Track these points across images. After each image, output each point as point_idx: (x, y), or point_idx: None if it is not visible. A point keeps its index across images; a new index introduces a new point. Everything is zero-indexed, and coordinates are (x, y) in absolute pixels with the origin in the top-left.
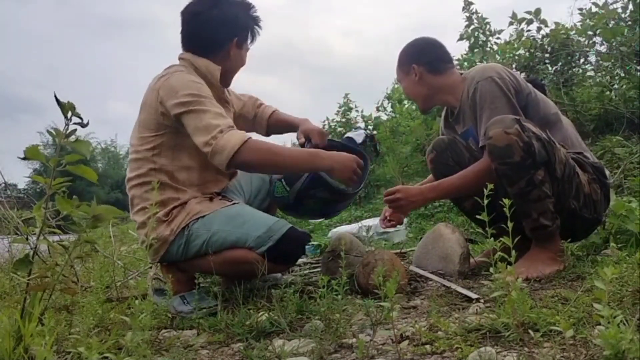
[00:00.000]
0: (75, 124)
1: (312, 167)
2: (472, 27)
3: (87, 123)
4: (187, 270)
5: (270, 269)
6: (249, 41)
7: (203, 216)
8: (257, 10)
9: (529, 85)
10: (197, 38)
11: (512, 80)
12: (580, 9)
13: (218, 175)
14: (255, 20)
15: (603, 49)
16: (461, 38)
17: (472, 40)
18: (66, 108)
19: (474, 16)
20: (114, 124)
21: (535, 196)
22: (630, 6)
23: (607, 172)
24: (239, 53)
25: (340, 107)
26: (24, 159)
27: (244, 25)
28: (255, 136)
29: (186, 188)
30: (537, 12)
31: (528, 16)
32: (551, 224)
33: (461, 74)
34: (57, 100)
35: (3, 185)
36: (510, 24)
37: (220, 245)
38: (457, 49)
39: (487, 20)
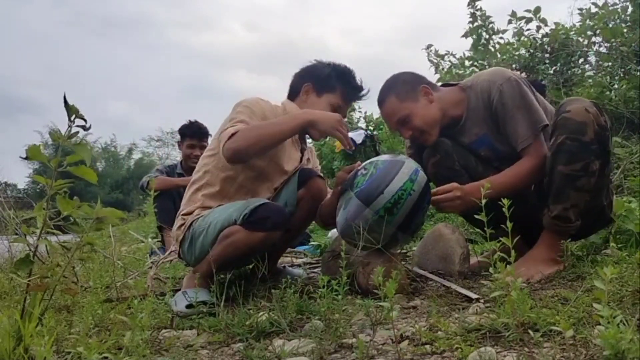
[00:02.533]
0: (77, 126)
1: (296, 126)
2: (476, 24)
3: (90, 126)
4: (205, 268)
5: (255, 242)
6: (333, 95)
7: (204, 215)
8: (354, 76)
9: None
10: (289, 86)
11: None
12: (580, 9)
13: (267, 194)
14: (344, 79)
15: (603, 49)
16: (465, 35)
17: (475, 37)
18: (72, 110)
19: (478, 12)
20: (113, 123)
21: (581, 184)
22: (630, 7)
23: (611, 175)
24: (316, 100)
25: None
26: (25, 158)
27: (321, 75)
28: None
29: (225, 197)
30: (537, 10)
31: (528, 14)
32: (574, 220)
33: (456, 84)
34: (65, 102)
35: (3, 185)
36: (510, 22)
37: (214, 232)
38: (457, 49)
39: (490, 19)
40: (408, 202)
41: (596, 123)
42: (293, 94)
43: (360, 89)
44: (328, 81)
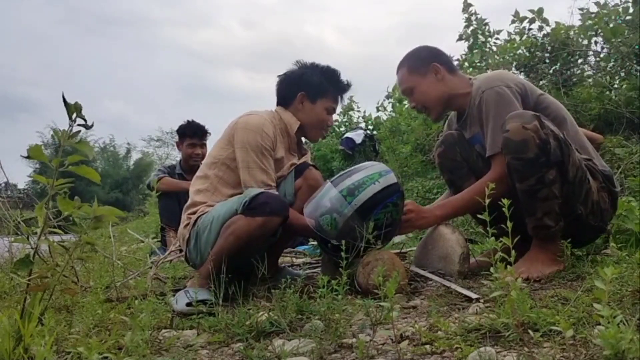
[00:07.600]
0: (79, 125)
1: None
2: (472, 28)
3: (92, 125)
4: (209, 267)
5: (254, 228)
6: (326, 99)
7: (208, 212)
8: (340, 75)
9: (537, 89)
10: (277, 94)
11: (518, 88)
12: (581, 9)
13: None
14: (333, 82)
15: (603, 49)
16: (460, 38)
17: (471, 40)
18: (72, 109)
19: (472, 17)
20: (110, 122)
21: (544, 195)
22: (631, 7)
23: (616, 181)
24: (311, 107)
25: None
26: (27, 157)
27: (312, 82)
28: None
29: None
30: (540, 11)
31: (530, 15)
32: (554, 224)
33: (470, 79)
34: (64, 101)
35: (3, 184)
36: (513, 22)
37: (217, 226)
38: (456, 49)
39: (485, 21)
40: (370, 189)
41: (537, 138)
42: (284, 102)
43: (348, 86)
44: (320, 87)
